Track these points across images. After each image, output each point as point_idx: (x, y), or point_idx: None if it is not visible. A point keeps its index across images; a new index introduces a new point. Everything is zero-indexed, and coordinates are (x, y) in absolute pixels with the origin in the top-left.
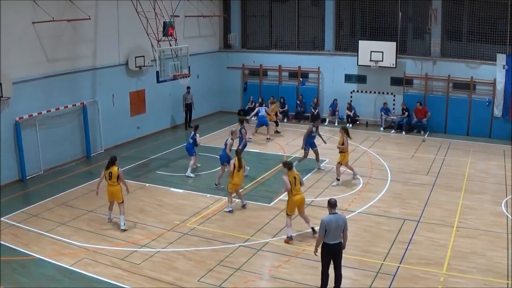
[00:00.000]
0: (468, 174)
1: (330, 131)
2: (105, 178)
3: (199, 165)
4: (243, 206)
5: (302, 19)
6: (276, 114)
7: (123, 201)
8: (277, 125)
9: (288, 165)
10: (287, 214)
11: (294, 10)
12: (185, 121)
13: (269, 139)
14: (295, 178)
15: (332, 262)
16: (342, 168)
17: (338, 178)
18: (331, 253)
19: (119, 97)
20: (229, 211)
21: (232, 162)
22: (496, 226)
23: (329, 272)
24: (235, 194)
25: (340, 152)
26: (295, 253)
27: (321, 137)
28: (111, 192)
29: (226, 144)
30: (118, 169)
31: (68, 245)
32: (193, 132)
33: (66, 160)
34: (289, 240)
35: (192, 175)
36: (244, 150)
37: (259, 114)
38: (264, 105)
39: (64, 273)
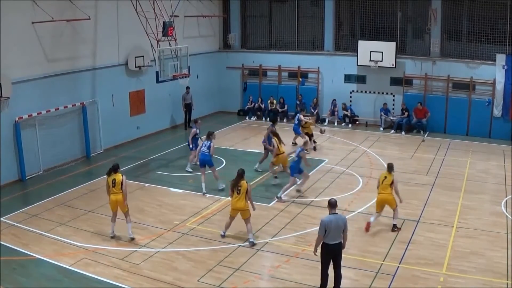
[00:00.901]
0: (467, 174)
1: (330, 131)
2: (108, 186)
3: (198, 163)
4: (251, 244)
5: (302, 19)
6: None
7: (128, 210)
8: (310, 139)
9: (388, 165)
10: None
11: (293, 10)
12: (185, 121)
13: (294, 143)
14: (385, 177)
15: (331, 262)
16: (342, 168)
17: (275, 176)
18: (331, 253)
19: (119, 97)
20: (222, 235)
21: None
22: (496, 226)
23: (329, 272)
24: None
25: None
26: (295, 253)
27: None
28: (115, 201)
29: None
30: (122, 176)
31: (68, 245)
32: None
33: (65, 160)
34: (368, 225)
35: (190, 169)
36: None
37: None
38: (304, 111)
39: (64, 273)
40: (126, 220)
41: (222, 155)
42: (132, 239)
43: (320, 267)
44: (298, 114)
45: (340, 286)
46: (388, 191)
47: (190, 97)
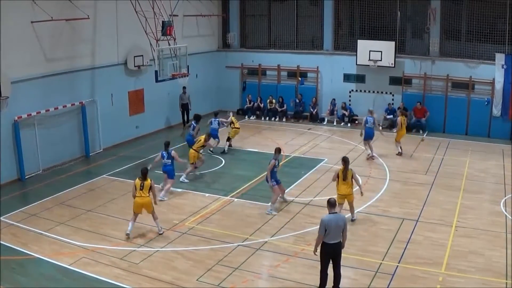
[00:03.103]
0: (467, 174)
1: (330, 131)
2: (135, 189)
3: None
4: (353, 221)
5: (301, 18)
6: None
7: (153, 209)
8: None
9: (403, 109)
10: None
11: (292, 10)
12: (183, 122)
13: (211, 151)
14: (404, 119)
15: (331, 262)
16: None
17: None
18: (331, 253)
19: (118, 96)
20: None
21: (336, 170)
22: (495, 226)
23: (328, 272)
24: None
25: None
26: (294, 253)
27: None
28: (141, 204)
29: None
30: (151, 181)
31: (67, 244)
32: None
33: (65, 159)
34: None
35: (165, 198)
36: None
37: (211, 126)
38: (217, 116)
39: (63, 272)
40: (153, 217)
41: (222, 154)
42: (161, 234)
43: (319, 267)
44: (213, 119)
45: (340, 286)
46: (404, 128)
47: (187, 97)
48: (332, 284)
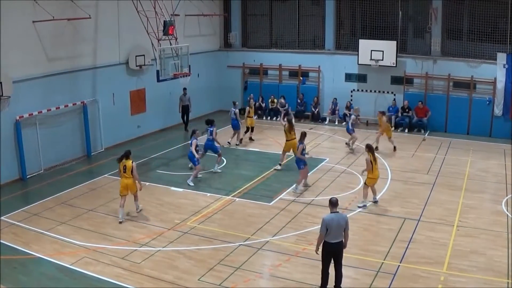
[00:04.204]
0: (468, 173)
1: (331, 130)
2: (120, 171)
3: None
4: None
5: (303, 18)
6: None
7: (137, 191)
8: (251, 130)
9: (382, 112)
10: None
11: (294, 9)
12: (184, 123)
13: (230, 143)
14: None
15: (332, 261)
16: (342, 167)
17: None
18: (332, 252)
19: (120, 96)
20: (363, 206)
21: (367, 158)
22: (496, 225)
23: (330, 271)
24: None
25: None
26: (296, 252)
27: None
28: (125, 185)
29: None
30: (132, 162)
31: (69, 244)
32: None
33: (66, 159)
34: None
35: (218, 170)
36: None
37: (231, 116)
38: (236, 105)
39: (65, 272)
40: (134, 198)
41: (223, 154)
42: (140, 210)
43: (320, 266)
44: (233, 108)
45: (341, 285)
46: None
47: (188, 98)
48: (333, 284)
